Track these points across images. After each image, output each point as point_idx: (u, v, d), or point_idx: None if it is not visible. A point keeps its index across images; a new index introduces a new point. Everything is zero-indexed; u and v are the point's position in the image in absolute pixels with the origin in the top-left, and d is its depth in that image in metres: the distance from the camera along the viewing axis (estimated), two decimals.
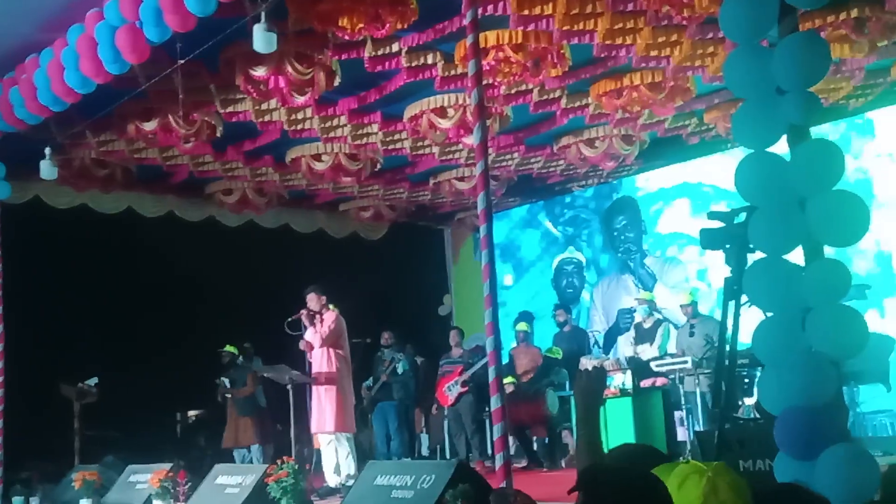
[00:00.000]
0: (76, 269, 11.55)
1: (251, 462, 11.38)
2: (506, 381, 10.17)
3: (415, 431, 12.96)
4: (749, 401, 8.57)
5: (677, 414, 9.87)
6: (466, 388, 11.12)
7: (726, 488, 2.61)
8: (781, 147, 4.12)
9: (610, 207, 13.42)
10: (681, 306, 10.58)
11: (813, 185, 3.94)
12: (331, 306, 9.36)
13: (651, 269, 12.73)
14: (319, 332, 9.14)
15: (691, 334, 10.08)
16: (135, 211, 12.13)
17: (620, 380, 9.58)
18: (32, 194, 11.03)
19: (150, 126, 9.55)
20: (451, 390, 11.46)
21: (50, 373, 10.95)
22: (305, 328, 9.28)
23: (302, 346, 9.37)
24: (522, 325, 12.08)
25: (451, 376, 11.51)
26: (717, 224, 5.47)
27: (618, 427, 9.28)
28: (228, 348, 12.40)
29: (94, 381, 11.21)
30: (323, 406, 9.08)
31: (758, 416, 7.07)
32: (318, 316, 9.23)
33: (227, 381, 12.16)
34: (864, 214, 3.88)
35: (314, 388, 9.18)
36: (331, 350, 9.15)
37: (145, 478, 8.45)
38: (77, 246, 11.55)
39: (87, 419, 11.07)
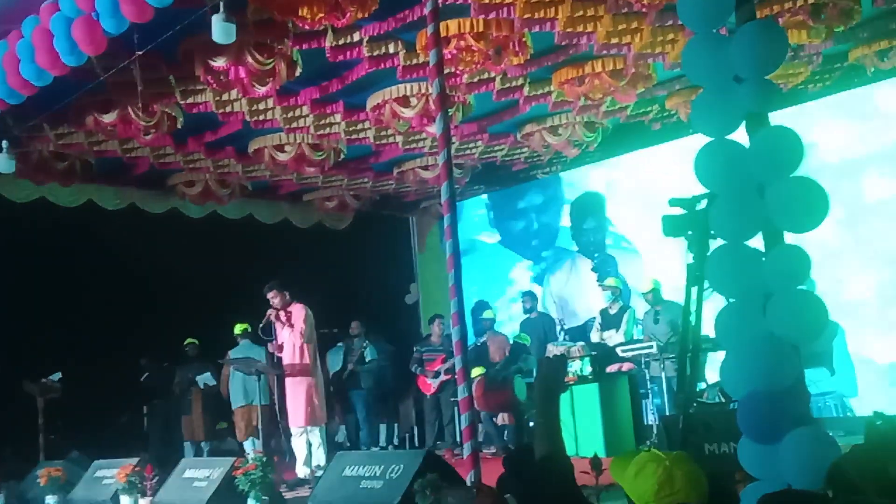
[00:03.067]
0: (36, 264, 11.40)
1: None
2: (475, 371, 10.31)
3: (393, 419, 12.99)
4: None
5: (643, 399, 9.97)
6: (450, 376, 11.19)
7: (682, 478, 2.65)
8: (741, 135, 4.15)
9: (575, 206, 13.44)
10: (643, 294, 10.66)
11: (772, 171, 3.97)
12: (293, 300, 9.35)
13: (613, 256, 12.80)
14: (296, 329, 9.11)
15: (656, 321, 10.17)
16: (95, 204, 12.00)
17: (578, 366, 9.65)
18: None
19: (109, 118, 9.43)
20: (435, 377, 11.53)
21: (12, 369, 10.82)
22: (274, 328, 9.26)
23: (271, 348, 9.36)
24: (489, 313, 12.12)
25: (434, 364, 11.57)
26: (678, 211, 5.52)
27: (585, 412, 9.36)
28: (189, 341, 12.41)
29: (57, 376, 11.10)
30: (298, 399, 9.07)
31: (723, 399, 7.15)
32: (284, 312, 9.20)
33: (207, 377, 12.15)
34: (823, 200, 3.91)
35: (287, 380, 9.16)
36: (302, 344, 9.13)
37: (112, 473, 8.39)
38: (37, 240, 11.40)
39: (51, 415, 10.96)
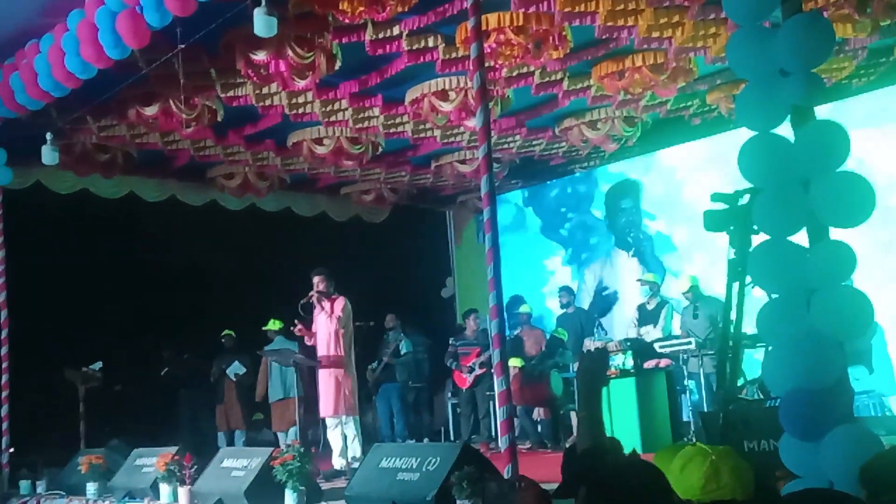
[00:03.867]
0: (78, 254, 11.56)
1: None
2: (513, 362, 10.30)
3: (427, 413, 13.01)
4: None
5: (683, 395, 9.91)
6: (485, 370, 11.20)
7: (728, 473, 2.63)
8: (785, 129, 4.12)
9: (613, 189, 13.39)
10: (682, 293, 10.59)
11: (817, 166, 3.94)
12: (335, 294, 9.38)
13: (654, 251, 12.73)
14: (333, 315, 9.14)
15: (695, 316, 10.09)
16: (136, 195, 12.13)
17: (621, 360, 9.61)
18: (34, 180, 11.02)
19: (150, 111, 9.52)
20: (469, 372, 11.55)
21: (54, 358, 10.99)
22: (314, 309, 9.28)
23: (304, 336, 9.39)
24: (525, 308, 12.11)
25: (469, 358, 11.59)
26: (720, 206, 5.47)
27: (622, 407, 9.32)
28: (226, 332, 12.53)
29: (98, 365, 11.24)
30: (329, 389, 9.10)
31: (762, 396, 7.09)
32: (325, 298, 9.23)
33: (237, 367, 12.28)
34: (869, 195, 3.87)
35: (320, 371, 9.20)
36: (338, 333, 9.16)
37: (151, 461, 8.46)
38: (79, 231, 11.56)
39: (91, 403, 11.11)
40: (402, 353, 12.20)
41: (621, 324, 12.45)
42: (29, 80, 8.38)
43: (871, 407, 9.81)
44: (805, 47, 3.97)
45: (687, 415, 10.11)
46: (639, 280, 11.78)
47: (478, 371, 11.48)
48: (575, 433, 9.57)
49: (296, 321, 9.27)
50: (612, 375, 9.30)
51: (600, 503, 2.38)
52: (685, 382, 9.95)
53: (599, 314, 13.24)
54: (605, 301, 13.34)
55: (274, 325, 11.67)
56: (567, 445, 5.09)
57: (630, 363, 9.57)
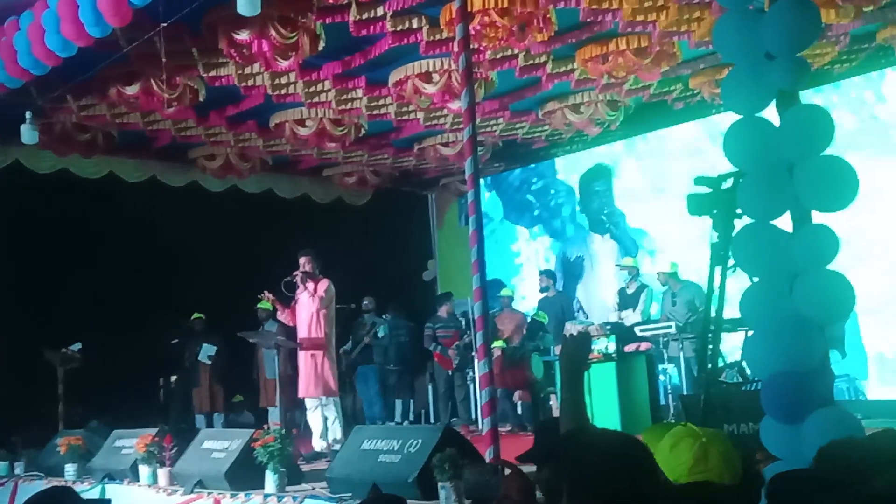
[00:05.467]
0: (57, 234, 11.47)
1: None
2: (495, 344, 10.33)
3: (407, 396, 13.04)
4: None
5: (660, 378, 9.97)
6: (469, 353, 11.25)
7: (717, 456, 2.64)
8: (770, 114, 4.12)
9: (588, 172, 13.40)
10: (659, 274, 10.63)
11: (802, 150, 3.95)
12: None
13: (631, 235, 12.78)
14: (315, 295, 9.12)
15: (673, 302, 10.15)
16: (116, 176, 12.05)
17: (604, 344, 9.65)
18: (13, 158, 10.95)
19: (132, 90, 9.44)
20: (457, 354, 11.57)
21: (33, 338, 10.91)
22: (297, 288, 9.26)
23: (282, 318, 9.37)
24: (507, 291, 12.13)
25: (451, 341, 11.60)
26: (704, 190, 5.49)
27: (602, 391, 9.37)
28: (196, 315, 12.54)
29: (77, 346, 11.18)
30: (309, 371, 9.09)
31: (741, 379, 7.15)
32: (310, 279, 9.21)
33: (208, 349, 12.27)
34: (852, 180, 3.88)
35: (301, 353, 9.18)
36: (320, 315, 9.13)
37: (131, 443, 8.43)
38: (58, 211, 11.46)
39: (70, 384, 11.05)
40: (380, 335, 12.21)
41: (601, 308, 12.50)
42: (8, 57, 8.28)
43: (844, 391, 9.93)
44: (791, 31, 3.97)
45: (666, 398, 10.17)
46: (617, 265, 11.83)
47: (464, 353, 11.52)
48: (556, 414, 9.63)
49: (265, 292, 9.25)
50: (595, 359, 9.32)
51: (582, 477, 2.30)
52: (665, 366, 10.02)
53: (572, 291, 13.25)
54: (582, 285, 13.36)
55: (265, 304, 11.70)
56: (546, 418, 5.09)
57: (612, 347, 9.61)
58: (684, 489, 2.57)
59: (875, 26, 9.30)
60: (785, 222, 4.04)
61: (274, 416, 11.44)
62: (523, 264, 14.22)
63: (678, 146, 11.98)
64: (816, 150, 3.93)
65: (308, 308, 9.15)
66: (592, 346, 9.36)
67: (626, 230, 12.84)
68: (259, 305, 11.78)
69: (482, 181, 14.35)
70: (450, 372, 11.77)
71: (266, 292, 9.27)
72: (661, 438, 2.74)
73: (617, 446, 2.33)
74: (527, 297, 13.50)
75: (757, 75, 4.07)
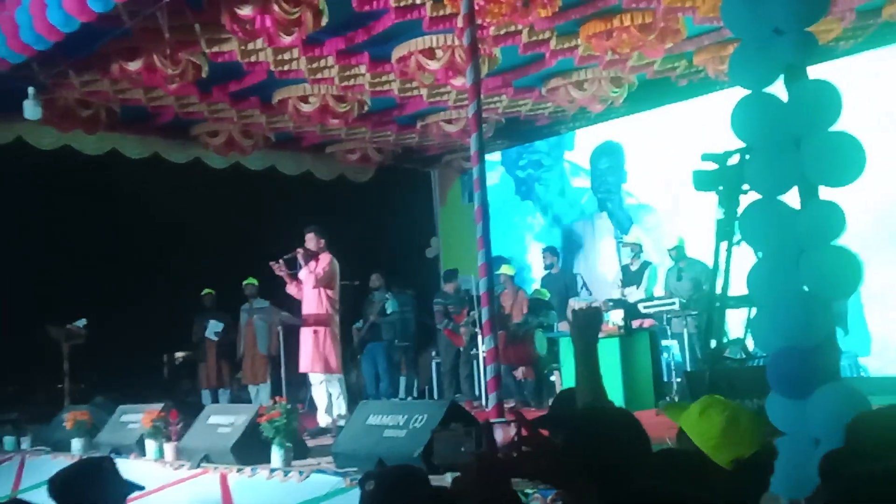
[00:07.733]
0: (60, 211, 11.48)
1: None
2: None
3: (412, 372, 13.10)
4: None
5: (664, 355, 9.99)
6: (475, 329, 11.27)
7: (748, 422, 2.64)
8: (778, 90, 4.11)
9: (595, 150, 13.38)
10: (668, 250, 10.62)
11: (809, 125, 3.94)
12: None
13: (635, 213, 12.76)
14: (314, 272, 9.12)
15: (679, 278, 10.14)
16: (119, 152, 12.02)
17: (618, 316, 9.65)
18: (15, 135, 10.91)
19: (134, 66, 9.40)
20: (465, 331, 11.57)
21: (37, 314, 10.94)
22: (300, 267, 9.25)
23: (291, 290, 9.37)
24: (507, 269, 12.12)
25: (461, 317, 11.61)
26: (710, 165, 5.49)
27: (605, 367, 9.31)
28: (207, 291, 12.58)
29: (82, 322, 11.20)
30: (311, 347, 9.10)
31: (744, 356, 7.17)
32: (313, 256, 9.21)
33: (214, 325, 12.33)
34: (860, 155, 3.88)
35: (303, 329, 9.20)
36: (322, 292, 9.15)
37: (137, 418, 8.46)
38: (61, 187, 11.48)
39: (75, 360, 11.10)
40: (388, 312, 12.22)
41: (602, 284, 12.50)
42: (10, 32, 8.25)
43: (846, 368, 9.94)
44: (800, 5, 3.96)
45: (670, 375, 10.20)
46: (621, 242, 11.81)
47: (473, 329, 11.52)
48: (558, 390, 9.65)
49: (280, 260, 9.23)
50: (612, 332, 9.32)
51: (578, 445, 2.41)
52: (666, 342, 10.04)
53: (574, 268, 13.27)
54: (586, 262, 13.37)
55: (252, 280, 11.79)
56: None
57: (621, 318, 9.62)
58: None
59: (881, 1, 9.24)
60: (793, 198, 4.04)
61: (263, 394, 11.58)
62: (527, 241, 14.21)
63: (682, 123, 11.93)
64: (824, 125, 3.92)
65: (309, 284, 9.16)
66: (605, 320, 9.38)
67: (622, 206, 12.83)
68: (246, 282, 11.84)
69: (505, 154, 14.48)
70: (461, 348, 11.78)
71: (275, 262, 9.21)
72: (685, 409, 2.76)
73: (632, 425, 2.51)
74: (531, 271, 13.52)
75: (765, 50, 4.05)
